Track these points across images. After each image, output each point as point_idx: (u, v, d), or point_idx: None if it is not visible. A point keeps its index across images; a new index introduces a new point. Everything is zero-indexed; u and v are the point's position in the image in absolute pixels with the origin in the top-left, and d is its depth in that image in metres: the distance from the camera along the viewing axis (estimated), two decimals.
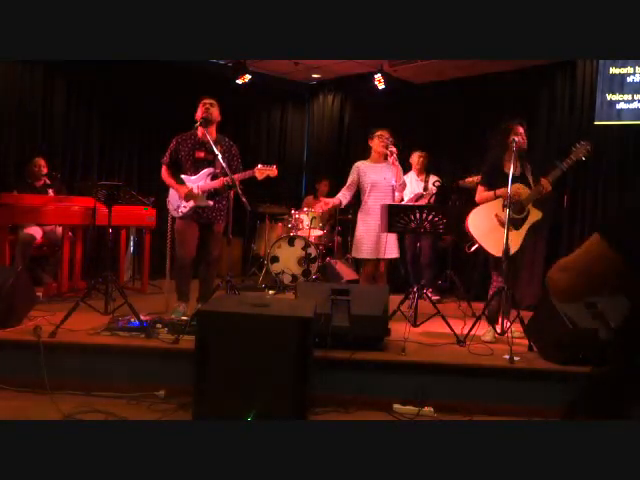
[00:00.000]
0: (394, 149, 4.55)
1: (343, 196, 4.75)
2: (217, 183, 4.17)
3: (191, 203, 4.21)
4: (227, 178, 4.00)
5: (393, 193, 4.64)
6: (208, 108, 4.18)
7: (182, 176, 4.27)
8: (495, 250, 3.92)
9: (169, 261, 4.74)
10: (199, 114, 4.18)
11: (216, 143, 4.09)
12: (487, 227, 3.99)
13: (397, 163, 4.56)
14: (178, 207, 4.25)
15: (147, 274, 5.61)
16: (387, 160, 4.64)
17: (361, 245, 4.60)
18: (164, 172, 4.30)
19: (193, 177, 4.24)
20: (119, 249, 5.65)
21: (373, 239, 4.54)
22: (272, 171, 4.12)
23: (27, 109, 5.90)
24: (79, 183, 5.85)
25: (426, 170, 6.04)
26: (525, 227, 3.93)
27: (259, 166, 4.12)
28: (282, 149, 8.19)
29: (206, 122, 4.13)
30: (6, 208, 4.62)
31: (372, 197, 4.60)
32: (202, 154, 4.25)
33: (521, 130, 3.96)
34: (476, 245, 4.12)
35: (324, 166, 7.81)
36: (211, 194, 4.25)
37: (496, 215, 3.96)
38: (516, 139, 3.84)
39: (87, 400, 3.08)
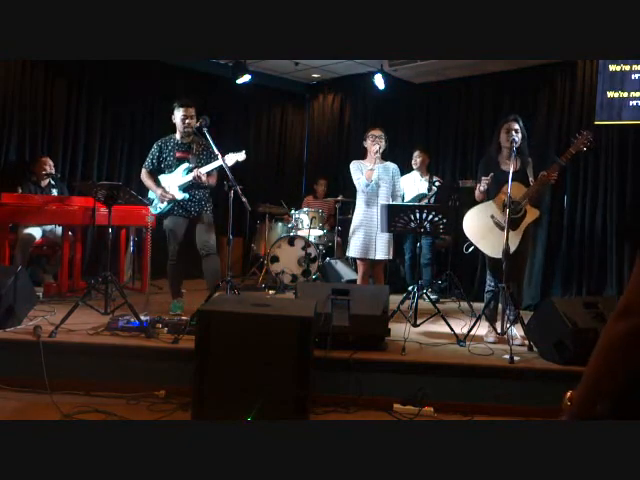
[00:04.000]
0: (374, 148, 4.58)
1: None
2: (188, 177, 4.34)
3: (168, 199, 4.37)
4: (198, 172, 4.22)
5: (387, 194, 4.62)
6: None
7: (160, 176, 4.47)
8: (491, 251, 3.88)
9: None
10: (189, 123, 4.37)
11: (193, 143, 4.45)
12: (483, 228, 3.94)
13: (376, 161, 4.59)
14: (156, 205, 4.44)
15: (147, 274, 5.60)
16: (382, 161, 4.65)
17: (350, 243, 4.65)
18: (144, 174, 4.50)
19: (170, 175, 4.42)
20: (119, 249, 5.64)
21: (360, 238, 4.55)
22: (240, 155, 4.25)
23: (27, 109, 5.89)
24: (79, 183, 5.85)
25: (428, 169, 6.02)
26: (522, 227, 3.87)
27: (227, 155, 4.24)
28: (282, 149, 8.18)
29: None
30: (6, 208, 4.61)
31: (363, 197, 4.61)
32: (181, 155, 4.48)
33: (515, 127, 3.90)
34: (473, 246, 4.10)
35: (324, 166, 7.80)
36: (186, 187, 4.37)
37: (492, 216, 3.92)
38: (515, 138, 3.82)
39: (87, 400, 3.08)
